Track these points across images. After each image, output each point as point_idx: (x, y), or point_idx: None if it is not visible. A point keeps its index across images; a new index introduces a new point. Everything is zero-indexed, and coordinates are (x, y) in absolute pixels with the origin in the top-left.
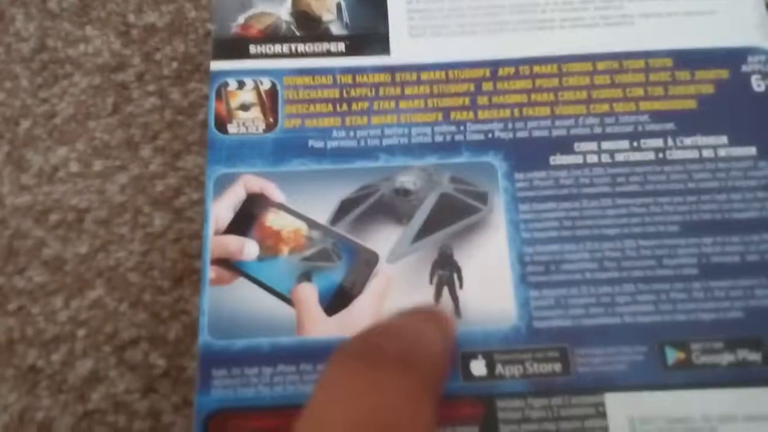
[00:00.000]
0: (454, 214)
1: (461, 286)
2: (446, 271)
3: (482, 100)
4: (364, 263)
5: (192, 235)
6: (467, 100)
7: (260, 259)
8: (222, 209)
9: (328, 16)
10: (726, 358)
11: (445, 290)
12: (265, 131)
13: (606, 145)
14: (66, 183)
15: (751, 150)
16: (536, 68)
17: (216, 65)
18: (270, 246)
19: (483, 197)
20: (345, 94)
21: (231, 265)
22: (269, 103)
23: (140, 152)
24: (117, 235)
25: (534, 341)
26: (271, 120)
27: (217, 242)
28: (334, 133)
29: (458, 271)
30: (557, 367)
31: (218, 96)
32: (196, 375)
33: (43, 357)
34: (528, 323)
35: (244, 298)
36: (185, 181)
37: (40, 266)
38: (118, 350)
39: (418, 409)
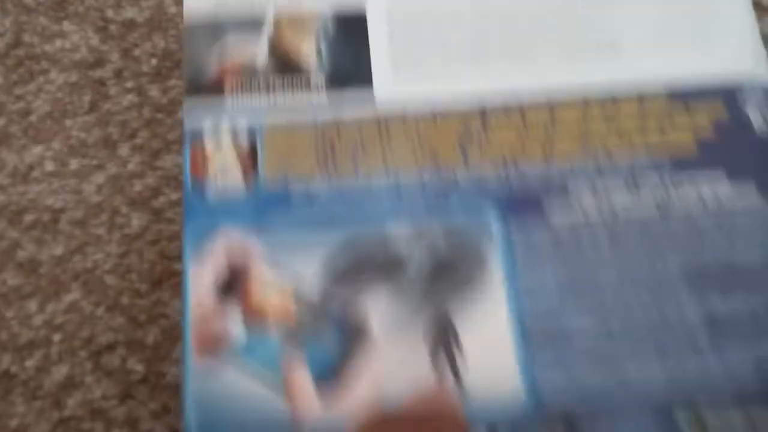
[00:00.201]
0: (449, 274)
1: (461, 354)
2: (444, 339)
3: (472, 145)
4: (356, 333)
5: (171, 237)
6: (456, 146)
7: (245, 332)
8: (202, 277)
9: (307, 57)
10: (738, 419)
11: (444, 359)
12: (244, 184)
13: (603, 192)
14: (41, 182)
15: (753, 192)
16: (526, 107)
17: (188, 112)
18: (255, 318)
19: (478, 254)
20: (328, 142)
21: (215, 342)
22: (248, 153)
23: (118, 151)
24: (93, 236)
25: (539, 409)
26: (250, 171)
27: (198, 318)
28: (318, 185)
29: (456, 338)
30: None
31: (192, 147)
32: None
33: (18, 362)
34: (532, 390)
35: (231, 380)
36: (164, 180)
37: (15, 268)
38: (95, 355)
39: None
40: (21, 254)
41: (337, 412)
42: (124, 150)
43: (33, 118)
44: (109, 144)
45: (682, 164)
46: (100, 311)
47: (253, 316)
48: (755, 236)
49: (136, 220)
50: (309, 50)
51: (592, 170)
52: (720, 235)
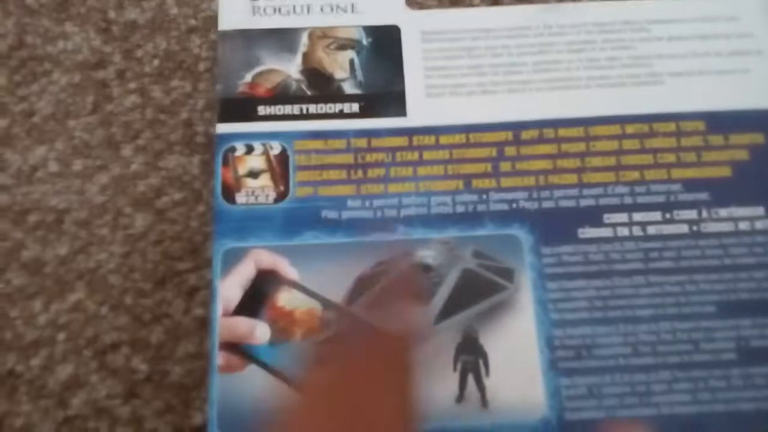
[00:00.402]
0: (478, 292)
1: (487, 373)
2: (471, 357)
3: (505, 166)
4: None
5: (174, 237)
6: (489, 167)
7: (272, 343)
8: (231, 288)
9: (340, 73)
10: None
11: (471, 378)
12: (275, 201)
13: (637, 216)
14: (45, 183)
15: None
16: (561, 131)
17: (222, 128)
18: (282, 328)
19: (508, 274)
20: (360, 160)
21: (241, 350)
22: (280, 169)
23: (121, 152)
24: (97, 236)
25: (561, 423)
26: (281, 188)
27: (225, 325)
28: (349, 203)
29: (484, 356)
30: None
31: (225, 162)
32: None
33: (23, 362)
34: (559, 415)
35: (256, 388)
36: (167, 181)
37: (19, 269)
38: (99, 354)
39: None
40: (25, 254)
41: None
42: (127, 151)
43: (36, 119)
44: (113, 145)
45: (717, 190)
46: (105, 311)
47: (279, 322)
48: None
49: (140, 221)
50: (342, 66)
51: (626, 194)
52: (754, 261)
